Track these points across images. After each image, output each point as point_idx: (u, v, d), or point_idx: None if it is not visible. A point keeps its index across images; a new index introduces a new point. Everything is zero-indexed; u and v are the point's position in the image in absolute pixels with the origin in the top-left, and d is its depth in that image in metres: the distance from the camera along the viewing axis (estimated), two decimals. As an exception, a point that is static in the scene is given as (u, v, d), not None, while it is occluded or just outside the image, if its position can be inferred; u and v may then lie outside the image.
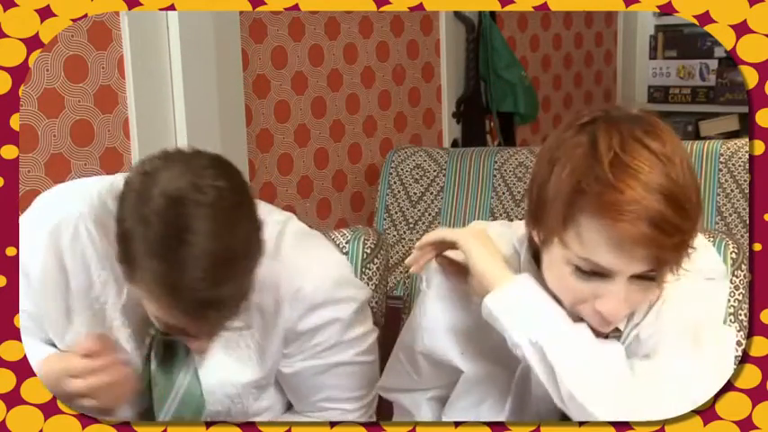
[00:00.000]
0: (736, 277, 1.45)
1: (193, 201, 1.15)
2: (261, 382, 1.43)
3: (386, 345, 1.61)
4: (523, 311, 1.14)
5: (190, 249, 1.13)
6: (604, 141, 1.08)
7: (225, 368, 1.40)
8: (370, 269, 1.69)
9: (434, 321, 1.30)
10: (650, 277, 1.10)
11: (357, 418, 1.50)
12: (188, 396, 1.40)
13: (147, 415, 1.41)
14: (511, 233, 1.29)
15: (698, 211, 1.09)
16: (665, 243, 1.05)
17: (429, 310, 1.31)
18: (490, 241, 1.22)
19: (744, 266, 1.47)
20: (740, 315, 1.43)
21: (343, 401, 1.47)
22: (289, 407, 1.53)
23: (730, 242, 1.48)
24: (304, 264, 1.40)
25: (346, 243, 1.69)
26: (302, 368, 1.43)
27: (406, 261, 1.25)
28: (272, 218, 1.38)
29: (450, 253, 1.25)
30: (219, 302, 1.18)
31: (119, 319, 1.38)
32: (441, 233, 1.23)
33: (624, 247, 1.06)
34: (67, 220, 1.35)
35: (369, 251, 1.69)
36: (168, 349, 1.39)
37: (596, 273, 1.10)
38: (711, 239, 1.47)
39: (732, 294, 1.42)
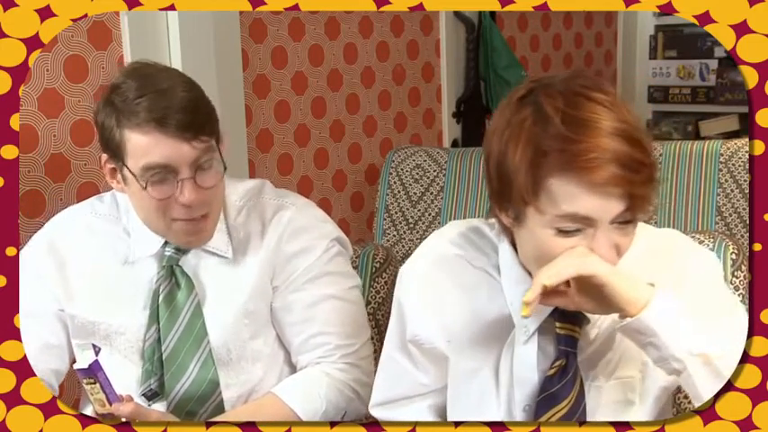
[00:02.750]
0: (736, 278, 1.45)
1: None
2: (249, 307, 1.57)
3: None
4: (678, 324, 1.13)
5: (168, 82, 1.47)
6: (549, 105, 1.12)
7: (217, 295, 1.57)
8: (378, 283, 1.71)
9: (418, 309, 1.32)
10: (627, 220, 1.14)
11: (345, 356, 1.58)
12: (189, 329, 1.55)
13: (153, 346, 1.56)
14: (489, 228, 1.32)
15: (650, 145, 1.14)
16: (634, 179, 1.10)
17: (412, 298, 1.33)
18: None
19: (744, 267, 1.47)
20: (740, 315, 1.42)
21: (332, 335, 1.58)
22: (289, 368, 1.63)
23: (730, 243, 1.48)
24: (284, 201, 1.63)
25: (356, 258, 1.71)
26: (293, 300, 1.58)
27: (527, 298, 1.13)
28: (249, 181, 1.67)
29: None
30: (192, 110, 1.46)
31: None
32: (575, 269, 1.12)
33: (599, 193, 1.09)
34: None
35: (378, 266, 1.72)
36: (173, 287, 1.56)
37: (578, 229, 1.12)
38: (712, 241, 1.47)
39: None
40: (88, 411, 1.56)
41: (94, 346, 1.43)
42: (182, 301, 1.55)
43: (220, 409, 1.56)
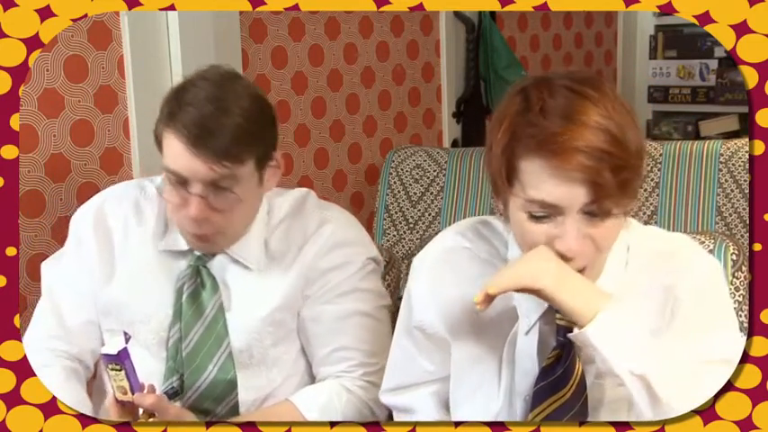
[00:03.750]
0: (737, 279, 1.45)
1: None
2: (276, 317, 1.56)
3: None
4: (623, 342, 1.14)
5: (226, 102, 1.46)
6: (535, 94, 1.15)
7: (244, 301, 1.57)
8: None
9: (424, 297, 1.36)
10: (601, 212, 1.14)
11: (367, 375, 1.58)
12: (211, 328, 1.55)
13: (177, 345, 1.57)
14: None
15: (635, 144, 1.13)
16: (601, 169, 1.10)
17: (419, 286, 1.36)
18: (570, 273, 1.17)
19: (744, 268, 1.47)
20: (740, 317, 1.42)
21: (357, 351, 1.59)
22: (309, 379, 1.64)
23: (731, 244, 1.47)
24: (327, 213, 1.63)
25: None
26: (322, 311, 1.58)
27: (476, 299, 1.18)
28: (295, 191, 1.67)
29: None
30: (217, 131, 1.43)
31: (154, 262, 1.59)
32: (519, 281, 1.16)
33: (563, 179, 1.11)
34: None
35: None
36: (198, 286, 1.57)
37: (547, 214, 1.14)
38: (712, 241, 1.47)
39: (732, 296, 1.42)
40: (98, 404, 1.57)
41: (125, 333, 1.43)
42: (205, 301, 1.56)
43: (235, 410, 1.57)
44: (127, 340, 1.40)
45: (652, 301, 1.24)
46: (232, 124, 1.44)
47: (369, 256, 1.63)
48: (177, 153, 1.44)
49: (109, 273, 1.60)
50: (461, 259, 1.34)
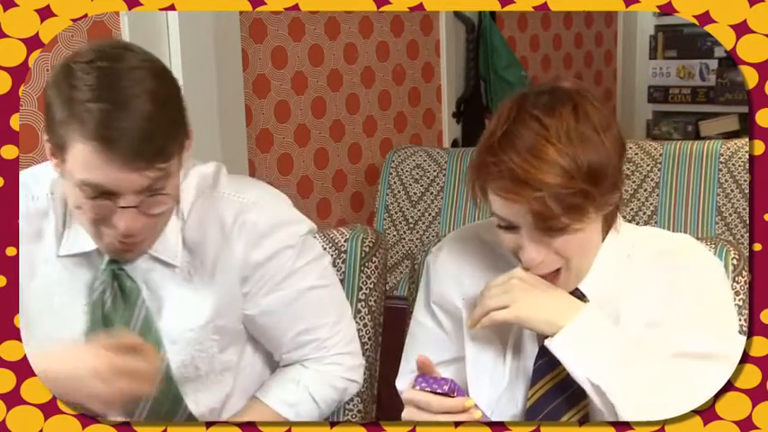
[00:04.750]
0: (737, 283, 1.45)
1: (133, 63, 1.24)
2: (217, 324, 1.42)
3: (386, 345, 1.61)
4: (583, 354, 1.21)
5: (133, 88, 1.20)
6: (503, 113, 1.21)
7: (177, 310, 1.41)
8: (368, 267, 1.68)
9: (442, 274, 1.40)
10: (554, 230, 1.19)
11: (333, 347, 1.51)
12: (144, 334, 1.38)
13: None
14: None
15: (587, 170, 1.16)
16: (543, 197, 1.14)
17: (437, 264, 1.41)
18: (535, 294, 1.24)
19: (744, 272, 1.47)
20: (740, 320, 1.42)
21: (315, 330, 1.49)
22: (261, 368, 1.54)
23: (731, 249, 1.47)
24: (245, 199, 1.43)
25: (345, 241, 1.68)
26: (269, 303, 1.45)
27: (469, 325, 1.31)
28: (200, 168, 1.44)
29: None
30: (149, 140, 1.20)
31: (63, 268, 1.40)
32: (493, 319, 1.26)
33: (504, 201, 1.18)
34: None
35: (367, 249, 1.68)
36: (117, 293, 1.39)
37: (509, 226, 1.22)
38: (713, 246, 1.48)
39: (733, 299, 1.42)
40: None
41: None
42: (129, 310, 1.39)
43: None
44: None
45: (654, 293, 1.27)
46: (150, 118, 1.20)
47: (301, 234, 1.47)
48: (96, 165, 1.19)
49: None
50: (477, 248, 1.39)
